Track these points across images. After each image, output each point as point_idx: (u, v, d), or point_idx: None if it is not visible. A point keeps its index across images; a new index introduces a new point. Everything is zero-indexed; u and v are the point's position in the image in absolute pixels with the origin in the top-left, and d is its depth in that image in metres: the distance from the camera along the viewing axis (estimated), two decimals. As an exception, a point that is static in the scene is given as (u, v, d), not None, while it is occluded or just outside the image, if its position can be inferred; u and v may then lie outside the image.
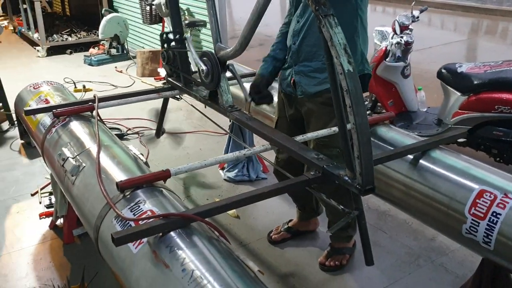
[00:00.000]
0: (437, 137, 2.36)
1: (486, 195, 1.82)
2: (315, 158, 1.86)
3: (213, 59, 2.31)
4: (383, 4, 12.29)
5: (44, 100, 2.71)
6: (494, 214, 1.76)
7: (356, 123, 1.58)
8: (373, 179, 1.64)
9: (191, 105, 2.90)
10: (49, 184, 3.25)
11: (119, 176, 1.91)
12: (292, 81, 2.33)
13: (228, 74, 2.42)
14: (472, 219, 1.82)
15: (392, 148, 2.21)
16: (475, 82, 3.52)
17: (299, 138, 2.12)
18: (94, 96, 2.56)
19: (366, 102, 4.46)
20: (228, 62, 2.36)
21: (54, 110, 2.44)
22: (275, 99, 2.65)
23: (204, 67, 2.35)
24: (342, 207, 1.78)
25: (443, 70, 3.76)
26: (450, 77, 3.70)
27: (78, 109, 2.49)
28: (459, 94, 3.63)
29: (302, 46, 2.24)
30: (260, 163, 3.67)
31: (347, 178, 1.72)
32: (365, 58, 2.27)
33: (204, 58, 2.37)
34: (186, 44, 2.65)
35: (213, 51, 2.36)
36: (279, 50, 2.42)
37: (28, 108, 2.60)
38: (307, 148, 2.02)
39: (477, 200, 1.82)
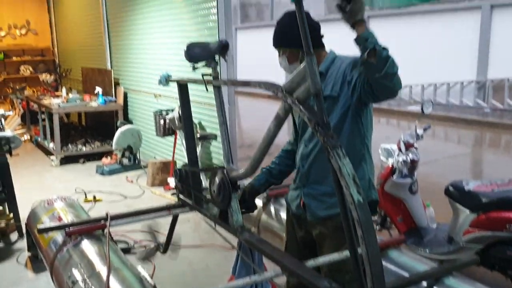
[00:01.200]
0: (450, 263, 2.33)
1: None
2: (327, 287, 1.84)
3: (225, 179, 2.38)
4: (386, 115, 12.69)
5: (57, 217, 2.76)
6: None
7: (368, 254, 1.58)
8: (386, 311, 1.61)
9: (204, 220, 2.91)
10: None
11: (127, 301, 1.89)
12: (301, 203, 2.37)
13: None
14: None
15: (404, 273, 2.18)
16: (484, 201, 3.53)
17: (311, 263, 2.11)
18: (107, 214, 2.60)
19: (375, 217, 4.46)
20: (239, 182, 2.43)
21: (66, 229, 2.46)
22: (283, 216, 2.68)
23: (215, 187, 2.41)
24: None
25: (451, 188, 3.79)
26: (458, 194, 3.72)
27: (90, 228, 2.52)
28: (468, 212, 3.63)
29: (311, 169, 2.30)
30: (269, 284, 3.58)
31: (359, 308, 1.69)
32: (372, 184, 2.32)
33: (216, 178, 2.44)
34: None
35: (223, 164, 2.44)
36: (277, 165, 2.53)
37: (41, 226, 2.63)
38: (319, 275, 2.00)
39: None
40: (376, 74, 1.88)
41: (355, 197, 1.60)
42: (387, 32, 15.30)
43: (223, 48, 2.40)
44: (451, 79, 13.20)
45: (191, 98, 2.88)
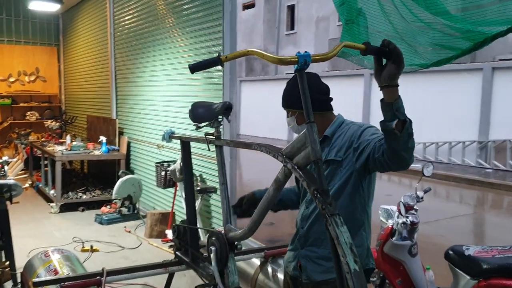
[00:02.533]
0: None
1: None
2: None
3: (222, 239, 2.38)
4: (387, 172, 12.69)
5: (53, 270, 2.74)
6: None
7: (363, 324, 1.57)
8: None
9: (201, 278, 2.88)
10: None
11: None
12: (298, 265, 2.36)
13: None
14: None
15: None
16: (485, 267, 3.49)
17: (306, 328, 2.08)
18: (102, 270, 2.58)
19: (374, 279, 4.40)
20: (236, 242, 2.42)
21: (61, 284, 2.44)
22: (280, 277, 2.65)
23: (212, 247, 2.41)
24: None
25: (451, 252, 3.77)
26: (458, 260, 3.69)
27: (85, 283, 2.50)
28: (468, 277, 3.59)
29: (310, 231, 2.31)
30: None
31: None
32: (370, 252, 2.32)
33: (213, 238, 2.44)
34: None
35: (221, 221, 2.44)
36: (282, 193, 2.48)
37: (36, 280, 2.61)
38: None
39: None
40: (398, 146, 1.84)
41: (352, 266, 1.60)
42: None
43: (227, 109, 2.46)
44: (453, 138, 13.34)
45: (193, 150, 2.92)
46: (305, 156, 1.84)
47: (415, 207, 4.04)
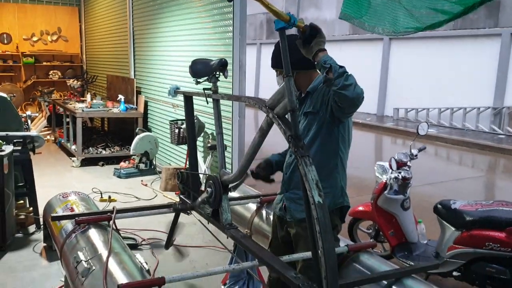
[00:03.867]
0: (410, 267, 2.57)
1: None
2: (293, 277, 2.11)
3: (217, 182, 2.68)
4: (403, 137, 12.86)
5: (70, 208, 3.08)
6: None
7: (324, 248, 1.85)
8: (337, 298, 1.87)
9: (199, 220, 3.21)
10: (62, 286, 3.51)
11: (122, 279, 2.19)
12: (283, 206, 2.65)
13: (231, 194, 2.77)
14: None
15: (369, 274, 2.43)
16: (467, 219, 3.75)
17: (285, 258, 2.39)
18: (113, 208, 2.92)
19: (370, 231, 4.70)
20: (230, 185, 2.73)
21: (76, 218, 2.79)
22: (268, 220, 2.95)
23: (208, 189, 2.72)
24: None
25: (439, 206, 4.02)
26: (445, 212, 3.95)
27: (97, 218, 2.84)
28: (453, 229, 3.85)
29: (292, 176, 2.59)
30: (261, 282, 3.85)
31: (318, 297, 1.96)
32: (344, 192, 2.59)
33: (210, 181, 2.74)
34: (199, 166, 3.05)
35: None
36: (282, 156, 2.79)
37: (55, 214, 2.96)
38: (288, 267, 2.27)
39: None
40: (334, 87, 2.15)
41: (316, 199, 1.88)
42: (407, 54, 15.55)
43: (222, 65, 2.72)
44: (468, 104, 13.35)
45: (206, 109, 3.19)
46: (283, 107, 2.11)
47: (408, 163, 4.28)
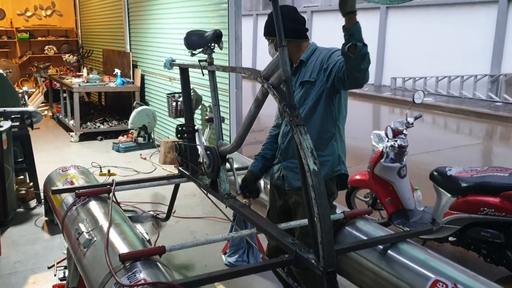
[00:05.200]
0: (404, 231, 2.62)
1: (439, 285, 2.08)
2: (290, 243, 2.16)
3: (215, 153, 2.72)
4: (400, 106, 12.87)
5: (70, 182, 3.12)
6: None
7: (319, 214, 1.90)
8: (333, 262, 1.92)
9: (202, 190, 3.24)
10: (65, 258, 3.58)
11: (123, 249, 2.24)
12: (281, 175, 2.69)
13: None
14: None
15: (365, 239, 2.49)
16: (463, 185, 3.80)
17: (283, 225, 2.43)
18: (112, 181, 2.95)
19: (368, 199, 4.76)
20: (228, 156, 2.76)
21: (76, 191, 2.83)
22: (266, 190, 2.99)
23: (206, 160, 2.75)
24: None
25: (435, 173, 4.06)
26: (441, 179, 4.00)
27: (97, 191, 2.88)
28: (449, 195, 3.90)
29: (289, 145, 2.62)
30: (260, 251, 3.93)
31: (313, 261, 2.01)
32: (342, 160, 2.62)
33: (208, 152, 2.78)
34: (197, 137, 3.07)
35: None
36: (268, 150, 2.80)
37: (55, 188, 3.00)
38: (285, 234, 2.32)
39: (432, 289, 2.07)
40: (351, 67, 2.14)
41: (311, 167, 1.91)
42: (403, 23, 15.43)
43: (217, 37, 2.72)
44: (465, 72, 13.31)
45: (204, 82, 3.19)
46: (278, 77, 2.12)
47: (404, 131, 4.30)
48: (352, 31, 2.04)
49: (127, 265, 2.07)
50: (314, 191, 1.89)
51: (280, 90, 2.13)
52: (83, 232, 2.47)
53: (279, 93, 2.10)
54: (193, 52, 2.87)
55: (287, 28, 2.13)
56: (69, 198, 2.92)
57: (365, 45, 2.08)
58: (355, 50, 2.05)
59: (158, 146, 7.39)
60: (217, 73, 2.89)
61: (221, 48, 2.81)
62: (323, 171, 2.36)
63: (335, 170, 2.56)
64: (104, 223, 2.50)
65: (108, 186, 2.93)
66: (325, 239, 1.90)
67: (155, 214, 4.73)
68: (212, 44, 2.78)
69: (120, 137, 7.80)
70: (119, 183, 2.99)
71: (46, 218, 4.51)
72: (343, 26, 2.07)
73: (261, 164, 2.80)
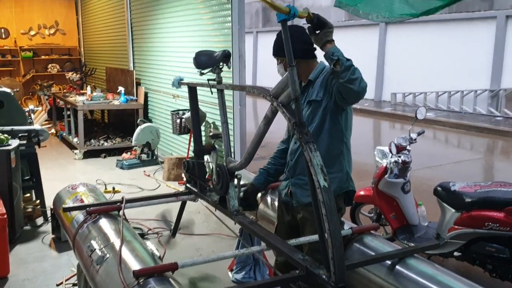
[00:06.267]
0: (412, 247, 2.66)
1: (448, 300, 2.11)
2: (301, 259, 2.20)
3: (224, 170, 2.76)
4: (401, 121, 12.94)
5: (80, 199, 3.16)
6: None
7: (330, 230, 1.94)
8: (344, 277, 1.95)
9: (206, 207, 3.30)
10: (74, 275, 3.60)
11: (135, 266, 2.27)
12: (289, 191, 2.73)
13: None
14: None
15: (373, 254, 2.52)
16: (467, 200, 3.83)
17: (292, 241, 2.47)
18: (122, 198, 3.00)
19: (372, 214, 4.79)
20: (236, 172, 2.81)
21: (87, 209, 2.87)
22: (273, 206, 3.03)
23: (215, 177, 2.80)
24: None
25: (439, 188, 4.10)
26: (445, 194, 4.03)
27: (107, 208, 2.92)
28: (453, 210, 3.93)
29: (298, 163, 2.66)
30: (267, 267, 3.95)
31: (324, 277, 2.04)
32: (349, 176, 2.67)
33: (217, 169, 2.82)
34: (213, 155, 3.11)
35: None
36: (272, 165, 2.87)
37: (66, 205, 3.04)
38: (295, 250, 2.36)
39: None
40: (341, 80, 2.26)
41: (321, 183, 1.96)
42: (403, 39, 15.57)
43: (226, 57, 2.79)
44: (465, 87, 13.41)
45: (207, 99, 3.26)
46: (287, 95, 2.18)
47: (407, 147, 4.36)
48: (330, 52, 2.25)
49: (141, 281, 2.11)
50: (324, 207, 1.94)
51: (289, 108, 2.19)
52: (95, 249, 2.50)
53: (289, 111, 2.16)
54: (202, 71, 2.94)
55: (296, 49, 2.21)
56: (79, 215, 2.96)
57: (348, 60, 2.24)
58: (339, 63, 2.22)
59: (162, 162, 7.43)
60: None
61: (229, 67, 2.87)
62: (331, 187, 2.40)
63: (343, 186, 2.61)
64: (115, 240, 2.54)
65: (118, 204, 2.97)
66: (336, 255, 1.94)
67: (160, 235, 4.77)
68: (221, 64, 2.85)
69: (124, 154, 7.85)
70: (129, 201, 3.03)
71: (53, 236, 4.54)
72: (324, 55, 2.29)
73: (263, 179, 2.87)
